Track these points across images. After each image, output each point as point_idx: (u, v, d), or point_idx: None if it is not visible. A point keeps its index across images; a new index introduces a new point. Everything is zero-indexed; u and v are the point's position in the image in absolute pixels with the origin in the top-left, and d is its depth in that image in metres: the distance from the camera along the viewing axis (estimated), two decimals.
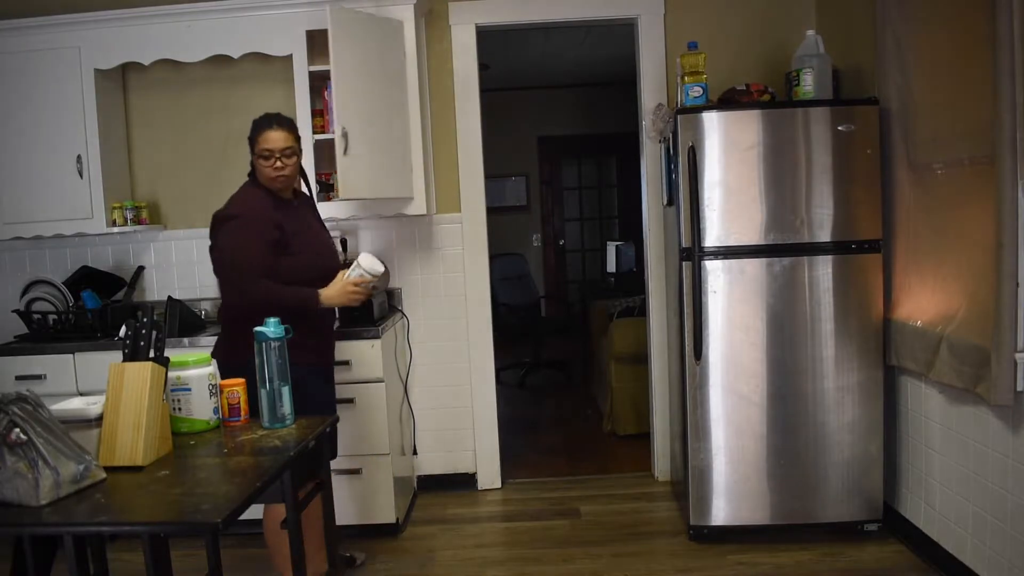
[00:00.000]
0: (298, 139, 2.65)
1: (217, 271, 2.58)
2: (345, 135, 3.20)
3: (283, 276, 2.55)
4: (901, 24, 2.92)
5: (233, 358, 2.51)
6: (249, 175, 2.70)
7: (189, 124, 3.86)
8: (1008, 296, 2.28)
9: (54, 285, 3.62)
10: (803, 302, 3.09)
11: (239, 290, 2.52)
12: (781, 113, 3.08)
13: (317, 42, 3.42)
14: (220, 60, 3.58)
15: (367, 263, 2.65)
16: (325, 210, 3.51)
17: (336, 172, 3.30)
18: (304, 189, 2.87)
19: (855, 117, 3.03)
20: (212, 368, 2.14)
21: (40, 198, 3.53)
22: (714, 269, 3.09)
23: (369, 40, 3.38)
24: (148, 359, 1.95)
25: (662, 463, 3.95)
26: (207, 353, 2.17)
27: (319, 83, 3.50)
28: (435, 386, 3.93)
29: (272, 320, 2.17)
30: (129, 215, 3.62)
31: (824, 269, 3.08)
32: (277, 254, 2.56)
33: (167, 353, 2.03)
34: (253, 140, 2.60)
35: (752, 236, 3.08)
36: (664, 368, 3.85)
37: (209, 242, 2.61)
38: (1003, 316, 2.28)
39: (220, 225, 2.56)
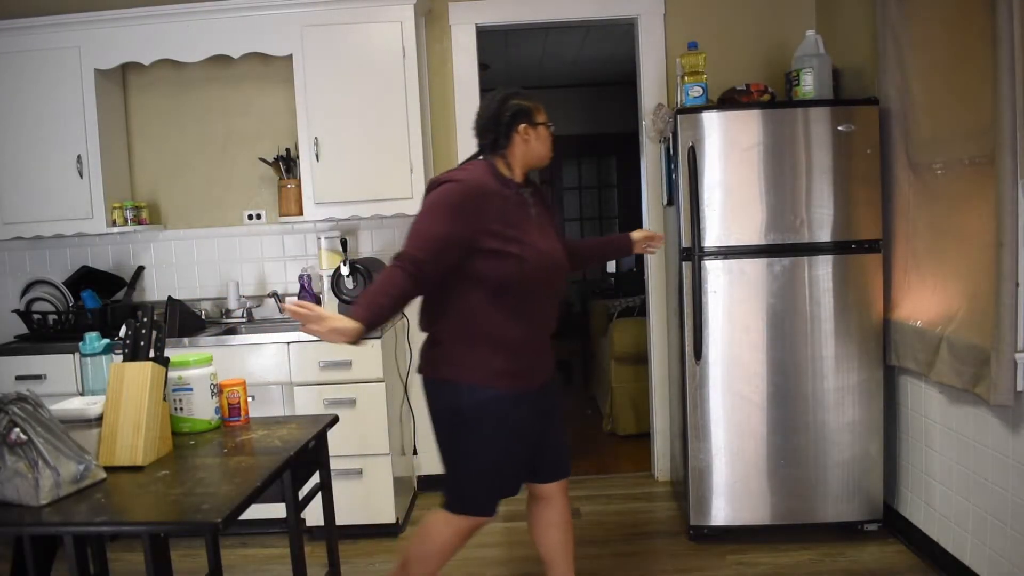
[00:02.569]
0: None
1: None
2: (317, 142, 3.40)
3: (491, 273, 2.13)
4: (901, 24, 2.92)
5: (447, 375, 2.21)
6: (483, 155, 2.31)
7: (189, 124, 3.86)
8: (1008, 296, 2.28)
9: (54, 285, 3.62)
10: (803, 302, 3.09)
11: (395, 259, 2.08)
12: (781, 113, 3.08)
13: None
14: (220, 60, 3.58)
15: None
16: (315, 212, 3.52)
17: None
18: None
19: (855, 117, 3.03)
20: (213, 368, 2.14)
21: (40, 198, 3.53)
22: (714, 269, 3.09)
23: (354, 46, 3.42)
24: (148, 359, 1.95)
25: (662, 463, 3.95)
26: (208, 353, 2.17)
27: None
28: None
29: (92, 335, 2.23)
30: (129, 215, 3.62)
31: (824, 269, 3.08)
32: (477, 244, 2.12)
33: (167, 353, 2.02)
34: (532, 112, 2.26)
35: (752, 236, 3.08)
36: (664, 368, 3.85)
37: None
38: (1003, 316, 2.28)
39: (433, 188, 2.19)
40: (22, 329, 3.62)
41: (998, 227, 2.29)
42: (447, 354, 2.21)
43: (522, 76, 7.41)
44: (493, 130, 2.26)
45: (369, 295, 2.06)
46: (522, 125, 2.26)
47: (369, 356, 3.28)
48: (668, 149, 3.35)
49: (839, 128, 3.02)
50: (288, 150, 3.72)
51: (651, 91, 3.79)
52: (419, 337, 3.87)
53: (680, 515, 3.45)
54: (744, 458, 3.14)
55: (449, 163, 3.86)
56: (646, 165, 3.87)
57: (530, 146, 2.29)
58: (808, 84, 3.18)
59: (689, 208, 3.07)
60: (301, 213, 3.57)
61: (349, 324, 1.97)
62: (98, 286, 3.68)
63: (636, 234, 2.64)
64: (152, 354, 1.97)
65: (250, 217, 3.88)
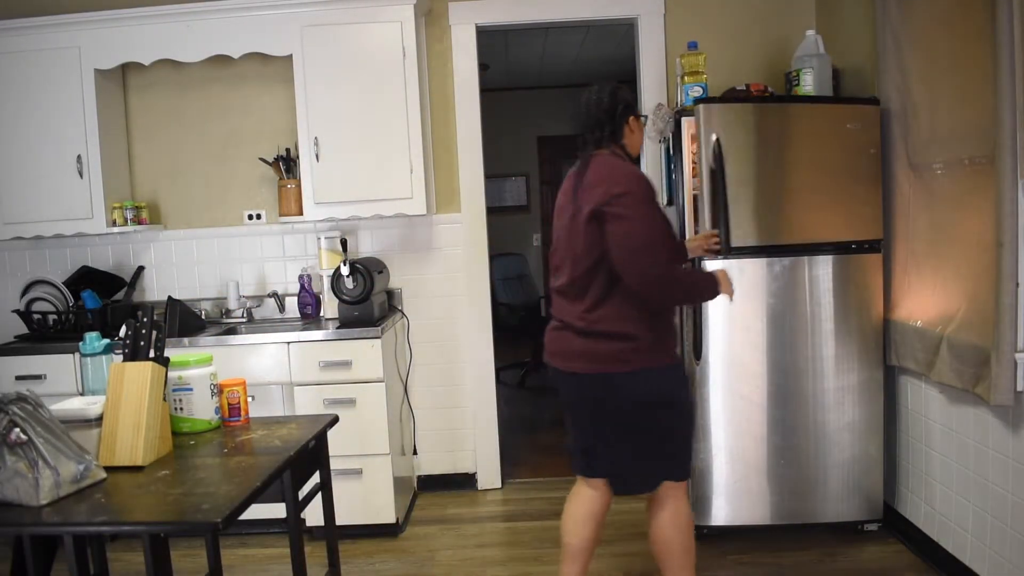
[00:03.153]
0: None
1: (624, 255, 2.22)
2: (317, 142, 3.42)
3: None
4: (901, 24, 2.92)
5: (661, 359, 2.33)
6: (600, 146, 2.40)
7: (189, 124, 3.86)
8: (1008, 296, 2.28)
9: (54, 285, 3.62)
10: (803, 302, 3.09)
11: (652, 274, 2.22)
12: (782, 112, 3.07)
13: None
14: (220, 60, 3.58)
15: None
16: (315, 212, 3.52)
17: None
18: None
19: (856, 117, 3.03)
20: (213, 368, 2.14)
21: (40, 198, 3.53)
22: (714, 269, 3.08)
23: (354, 46, 3.42)
24: (148, 359, 1.94)
25: None
26: (208, 353, 2.17)
27: None
28: (435, 386, 3.93)
29: (92, 335, 2.23)
30: (129, 215, 3.62)
31: (824, 269, 3.08)
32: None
33: (167, 353, 2.02)
34: (634, 104, 2.44)
35: (752, 236, 3.08)
36: None
37: (589, 218, 2.27)
38: (1003, 316, 2.28)
39: (618, 200, 2.23)
40: (22, 329, 3.62)
41: (998, 227, 2.29)
42: (646, 345, 2.31)
43: (522, 76, 7.42)
44: (610, 122, 2.39)
45: (690, 275, 2.53)
46: (631, 117, 2.42)
47: (369, 356, 3.28)
48: (668, 149, 3.35)
49: (848, 127, 3.01)
50: (288, 150, 3.72)
51: (651, 91, 3.79)
52: (420, 337, 3.89)
53: None
54: (744, 458, 3.14)
55: (449, 163, 3.87)
56: (646, 165, 3.87)
57: (635, 136, 2.45)
58: (808, 84, 3.18)
59: (692, 208, 3.06)
60: (301, 213, 3.57)
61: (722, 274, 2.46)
62: (98, 286, 3.67)
63: (691, 243, 2.80)
64: (152, 354, 1.97)
65: (250, 217, 3.88)
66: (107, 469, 1.79)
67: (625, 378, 2.30)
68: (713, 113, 3.02)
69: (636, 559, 3.09)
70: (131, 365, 1.92)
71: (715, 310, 3.09)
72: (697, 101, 3.10)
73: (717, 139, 3.01)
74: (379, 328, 3.30)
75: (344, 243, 3.58)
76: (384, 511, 3.36)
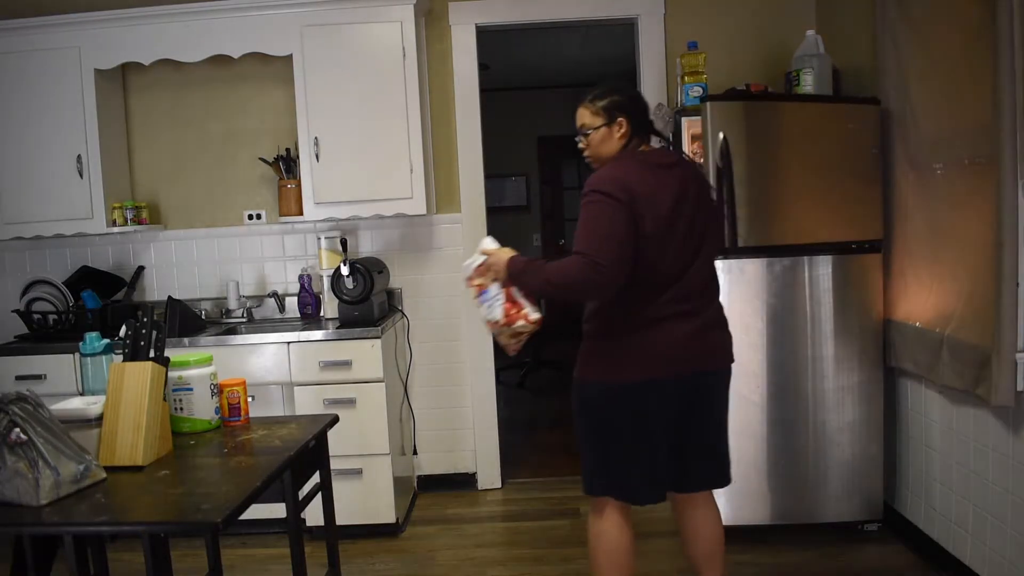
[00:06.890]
0: (600, 113, 2.26)
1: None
2: (317, 142, 3.43)
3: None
4: (900, 24, 2.92)
5: None
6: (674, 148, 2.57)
7: (189, 124, 3.86)
8: (1008, 296, 2.28)
9: (54, 285, 3.62)
10: (803, 302, 3.09)
11: None
12: (786, 110, 3.06)
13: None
14: (220, 60, 3.58)
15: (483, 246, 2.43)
16: (315, 212, 3.52)
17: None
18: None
19: (856, 117, 3.02)
20: (213, 368, 2.14)
21: (40, 198, 3.53)
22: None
23: (354, 46, 3.43)
24: (148, 359, 1.94)
25: None
26: (208, 353, 2.17)
27: None
28: (435, 386, 3.93)
29: (92, 335, 2.23)
30: (129, 215, 3.62)
31: (824, 269, 3.08)
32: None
33: (167, 353, 2.02)
34: None
35: (752, 236, 3.07)
36: None
37: None
38: (1003, 316, 2.28)
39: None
40: (22, 329, 3.62)
41: (998, 227, 2.29)
42: None
43: (522, 76, 7.42)
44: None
45: None
46: None
47: (369, 356, 3.28)
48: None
49: (849, 126, 3.00)
50: (288, 150, 3.72)
51: (651, 91, 3.78)
52: (419, 337, 3.89)
53: None
54: (744, 458, 3.13)
55: (450, 163, 3.87)
56: None
57: None
58: (808, 84, 3.18)
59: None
60: (301, 213, 3.57)
61: None
62: (98, 286, 3.68)
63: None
64: (152, 354, 1.97)
65: (250, 217, 3.88)
66: (107, 469, 1.79)
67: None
68: (721, 111, 3.00)
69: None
70: (131, 365, 1.92)
71: None
72: (703, 99, 3.10)
73: (724, 137, 3.01)
74: (379, 328, 3.30)
75: (344, 243, 3.57)
76: (384, 511, 3.36)
